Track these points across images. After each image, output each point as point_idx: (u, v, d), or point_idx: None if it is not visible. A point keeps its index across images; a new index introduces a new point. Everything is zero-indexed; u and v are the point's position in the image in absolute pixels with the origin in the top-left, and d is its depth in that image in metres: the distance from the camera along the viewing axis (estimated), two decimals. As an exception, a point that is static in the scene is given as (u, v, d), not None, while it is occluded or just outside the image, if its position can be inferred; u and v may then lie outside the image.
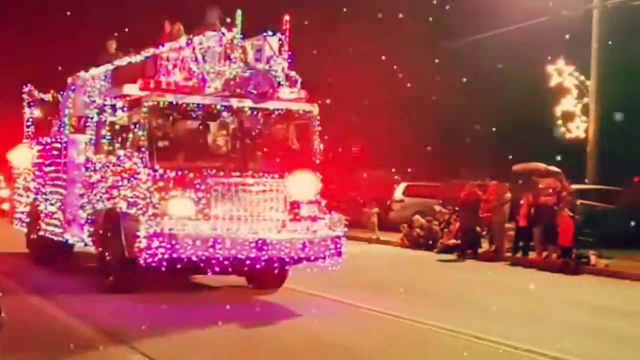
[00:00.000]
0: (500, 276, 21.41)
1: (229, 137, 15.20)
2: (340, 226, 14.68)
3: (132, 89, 15.36)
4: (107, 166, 15.93)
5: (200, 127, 15.32)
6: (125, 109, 15.36)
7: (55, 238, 18.94)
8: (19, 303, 13.45)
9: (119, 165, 15.30)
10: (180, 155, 14.76)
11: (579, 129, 31.57)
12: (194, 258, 13.77)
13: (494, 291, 17.76)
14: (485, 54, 32.93)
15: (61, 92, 21.31)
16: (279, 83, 14.60)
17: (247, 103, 14.80)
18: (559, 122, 32.03)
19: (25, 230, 21.22)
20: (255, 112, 14.93)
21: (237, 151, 15.15)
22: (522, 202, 24.01)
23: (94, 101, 17.29)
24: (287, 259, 14.34)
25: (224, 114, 14.80)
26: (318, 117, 15.16)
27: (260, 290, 15.97)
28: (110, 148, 16.07)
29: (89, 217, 16.85)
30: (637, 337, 13.51)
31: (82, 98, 19.33)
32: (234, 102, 14.74)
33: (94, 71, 18.81)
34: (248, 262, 14.07)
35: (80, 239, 17.60)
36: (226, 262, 13.96)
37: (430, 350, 11.85)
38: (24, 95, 22.30)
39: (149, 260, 13.89)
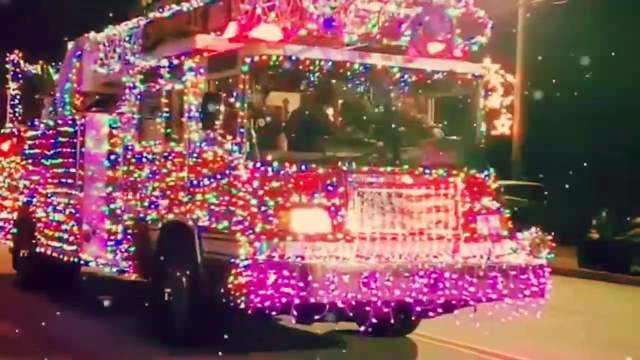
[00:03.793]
0: None
1: (371, 114, 9.97)
2: (543, 250, 9.58)
3: (211, 41, 10.12)
4: (167, 158, 10.68)
5: (329, 97, 10.06)
6: (200, 71, 10.09)
7: (65, 257, 13.58)
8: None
9: (193, 156, 10.08)
10: (299, 141, 9.54)
11: None
12: (332, 302, 8.58)
13: None
14: None
15: (53, 64, 16.38)
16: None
17: (397, 62, 9.66)
18: None
19: (10, 244, 15.73)
20: (409, 76, 9.76)
21: (385, 135, 9.94)
22: None
23: (132, 65, 11.94)
24: (463, 300, 9.24)
25: (363, 77, 9.59)
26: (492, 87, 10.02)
27: (378, 339, 10.88)
28: (169, 131, 10.80)
29: (128, 231, 11.57)
30: None
31: (92, 68, 14.23)
32: (379, 60, 9.58)
33: (114, 30, 13.55)
34: (417, 306, 8.92)
35: (109, 262, 12.32)
36: (382, 308, 8.80)
37: None
38: (8, 66, 16.97)
39: (255, 304, 8.72)
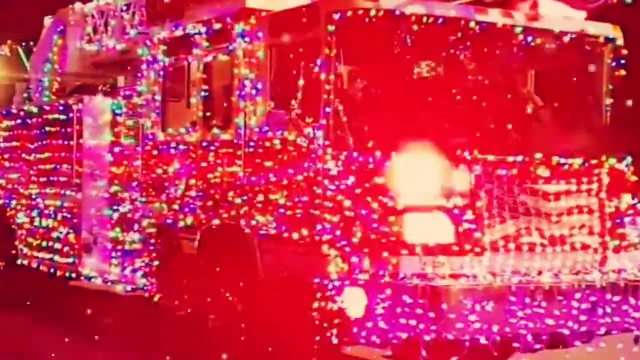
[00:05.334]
0: None
1: (490, 88, 7.73)
2: None
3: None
4: (207, 148, 8.38)
5: (437, 66, 7.79)
6: (258, 36, 7.78)
7: (57, 271, 11.19)
8: None
9: (250, 145, 7.76)
10: (405, 123, 7.25)
11: None
12: (474, 337, 6.34)
13: None
14: None
15: (23, 44, 14.16)
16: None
17: (520, 20, 7.46)
18: None
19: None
20: (534, 38, 7.55)
21: (509, 115, 7.72)
22: None
23: (147, 35, 9.60)
24: (625, 328, 7.05)
25: (480, 40, 7.37)
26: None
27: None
28: (209, 114, 8.49)
29: (149, 240, 9.23)
30: None
31: (77, 45, 12.04)
32: (500, 17, 7.37)
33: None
34: (575, 340, 6.70)
35: (121, 279, 10.04)
36: (533, 343, 6.58)
37: None
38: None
39: (357, 339, 6.50)
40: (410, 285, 6.41)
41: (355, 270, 6.72)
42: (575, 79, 8.21)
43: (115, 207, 10.43)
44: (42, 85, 12.85)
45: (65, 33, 12.29)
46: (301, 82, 7.11)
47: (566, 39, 7.71)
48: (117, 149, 10.52)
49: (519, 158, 7.13)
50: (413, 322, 6.33)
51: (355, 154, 6.87)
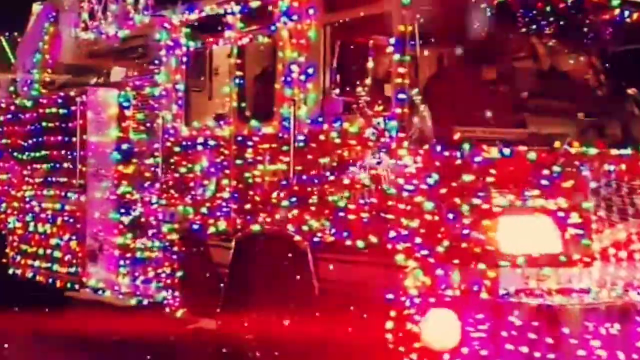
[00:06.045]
0: None
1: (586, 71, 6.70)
2: None
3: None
4: (244, 143, 7.29)
5: (526, 45, 6.73)
6: (308, 13, 6.72)
7: (57, 282, 10.08)
8: None
9: (299, 140, 6.68)
10: (493, 111, 6.19)
11: None
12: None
13: None
14: None
15: (7, 34, 13.27)
16: None
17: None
18: None
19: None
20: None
21: (607, 102, 6.68)
22: None
23: (165, 17, 8.52)
24: None
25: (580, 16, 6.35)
26: None
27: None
28: (245, 105, 7.41)
29: (172, 248, 8.13)
30: None
31: (72, 33, 10.87)
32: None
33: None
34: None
35: (135, 291, 8.93)
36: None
37: None
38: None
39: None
40: (518, 304, 5.35)
41: (440, 285, 5.67)
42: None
43: (123, 211, 9.34)
44: (30, 79, 11.71)
45: (58, 20, 11.10)
46: (370, 64, 6.02)
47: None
48: (125, 146, 9.42)
49: (625, 152, 6.10)
50: (524, 350, 5.27)
51: (438, 148, 5.80)
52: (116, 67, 11.22)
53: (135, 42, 9.66)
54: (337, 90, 6.14)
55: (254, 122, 7.36)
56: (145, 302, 8.83)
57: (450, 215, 5.70)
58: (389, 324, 5.92)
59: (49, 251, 10.24)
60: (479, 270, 5.58)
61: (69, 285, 10.03)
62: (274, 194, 7.04)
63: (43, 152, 10.48)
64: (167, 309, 8.38)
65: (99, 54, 10.57)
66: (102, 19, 10.48)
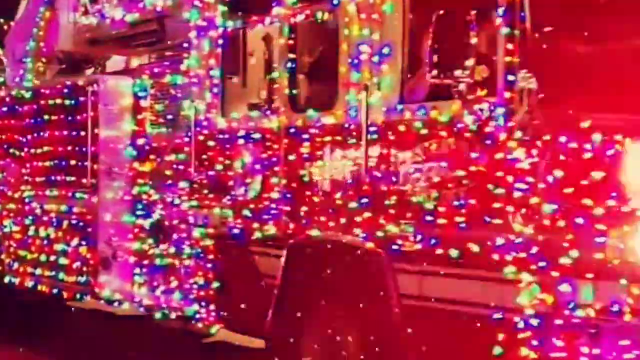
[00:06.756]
0: None
1: None
2: None
3: None
4: (298, 136, 6.34)
5: None
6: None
7: (64, 293, 9.08)
8: None
9: (372, 132, 5.71)
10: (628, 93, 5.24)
11: None
12: None
13: None
14: None
15: None
16: None
17: None
18: None
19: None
20: None
21: None
22: None
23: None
24: None
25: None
26: None
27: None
28: (295, 92, 6.46)
29: (207, 256, 7.14)
30: None
31: (70, 18, 10.01)
32: None
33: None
34: None
35: (159, 303, 7.94)
36: None
37: None
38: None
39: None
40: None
41: (566, 303, 4.72)
42: None
43: (140, 213, 8.37)
44: (23, 68, 10.69)
45: (54, 4, 10.16)
46: (473, 39, 5.06)
47: None
48: (141, 141, 8.44)
49: None
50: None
51: (562, 139, 4.85)
52: (114, 56, 10.31)
53: (148, 27, 8.71)
54: (435, 72, 5.16)
55: (310, 112, 6.36)
56: (173, 315, 7.82)
57: (578, 220, 4.74)
58: (497, 350, 4.98)
59: (53, 258, 9.25)
60: (617, 287, 4.62)
61: (77, 295, 9.02)
62: (338, 194, 6.05)
63: (45, 148, 9.50)
64: (199, 324, 7.38)
65: (102, 41, 9.61)
66: (105, 2, 9.52)
